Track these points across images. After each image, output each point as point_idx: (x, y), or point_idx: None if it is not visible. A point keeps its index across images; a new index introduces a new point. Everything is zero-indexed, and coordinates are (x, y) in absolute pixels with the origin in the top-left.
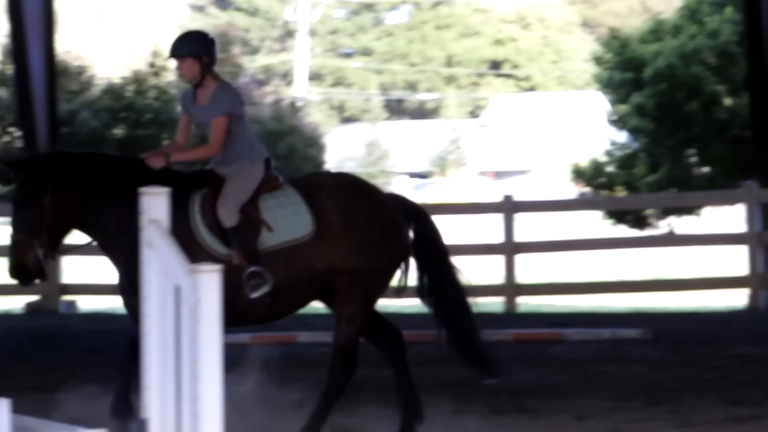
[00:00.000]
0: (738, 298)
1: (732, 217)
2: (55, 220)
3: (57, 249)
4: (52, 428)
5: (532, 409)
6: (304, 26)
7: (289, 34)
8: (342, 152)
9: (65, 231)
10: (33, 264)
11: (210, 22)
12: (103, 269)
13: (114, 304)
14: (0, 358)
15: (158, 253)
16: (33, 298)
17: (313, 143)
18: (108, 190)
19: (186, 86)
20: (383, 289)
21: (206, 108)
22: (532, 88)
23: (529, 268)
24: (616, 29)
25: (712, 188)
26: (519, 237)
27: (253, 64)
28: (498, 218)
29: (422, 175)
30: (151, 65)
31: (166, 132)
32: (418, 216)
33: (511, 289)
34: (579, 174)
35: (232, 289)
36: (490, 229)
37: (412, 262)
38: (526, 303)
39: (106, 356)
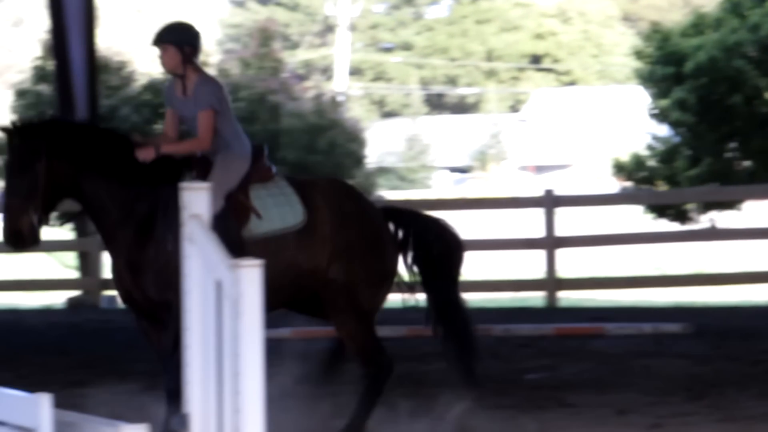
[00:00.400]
0: None
1: None
2: (49, 186)
3: (51, 215)
4: (94, 423)
5: (574, 403)
6: (344, 21)
7: (329, 28)
8: (382, 147)
9: (59, 197)
10: (27, 230)
11: (250, 17)
12: None
13: None
14: (41, 353)
15: (199, 248)
16: (75, 293)
17: (353, 138)
18: (99, 163)
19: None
20: (376, 301)
21: (189, 101)
22: (572, 83)
23: (570, 263)
24: (657, 23)
25: (754, 182)
26: (560, 231)
27: (294, 59)
28: (539, 213)
29: (463, 170)
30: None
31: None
32: (414, 222)
33: (552, 283)
34: (620, 168)
35: None
36: (530, 223)
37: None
38: (567, 297)
39: (147, 351)
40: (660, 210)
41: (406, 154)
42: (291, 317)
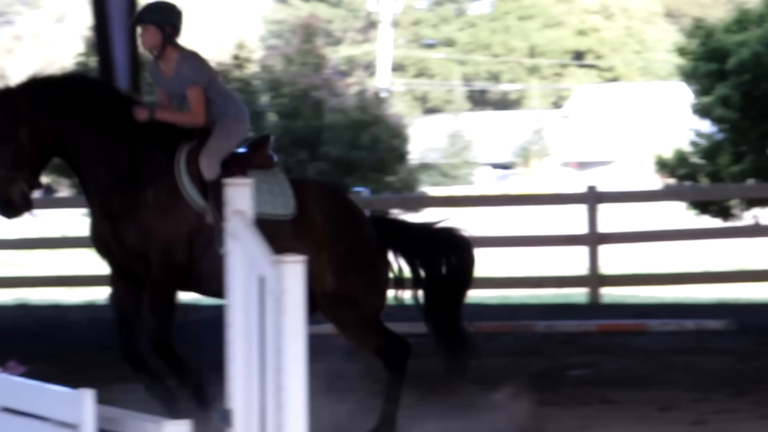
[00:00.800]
0: None
1: None
2: (35, 151)
3: (41, 175)
4: (136, 419)
5: (616, 400)
6: (386, 17)
7: (371, 25)
8: (425, 143)
9: (46, 160)
10: (19, 198)
11: (293, 13)
12: None
13: (196, 295)
14: (84, 349)
15: (243, 244)
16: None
17: (396, 134)
18: (86, 115)
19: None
20: (376, 306)
21: (173, 80)
22: (615, 79)
23: (613, 259)
24: (700, 19)
25: None
26: (603, 228)
27: (336, 55)
28: (582, 209)
29: (505, 166)
30: (236, 57)
31: (250, 124)
32: (402, 232)
33: (595, 280)
34: (662, 165)
35: (199, 246)
36: (573, 220)
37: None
38: (610, 294)
39: (188, 347)
40: (703, 206)
41: (449, 150)
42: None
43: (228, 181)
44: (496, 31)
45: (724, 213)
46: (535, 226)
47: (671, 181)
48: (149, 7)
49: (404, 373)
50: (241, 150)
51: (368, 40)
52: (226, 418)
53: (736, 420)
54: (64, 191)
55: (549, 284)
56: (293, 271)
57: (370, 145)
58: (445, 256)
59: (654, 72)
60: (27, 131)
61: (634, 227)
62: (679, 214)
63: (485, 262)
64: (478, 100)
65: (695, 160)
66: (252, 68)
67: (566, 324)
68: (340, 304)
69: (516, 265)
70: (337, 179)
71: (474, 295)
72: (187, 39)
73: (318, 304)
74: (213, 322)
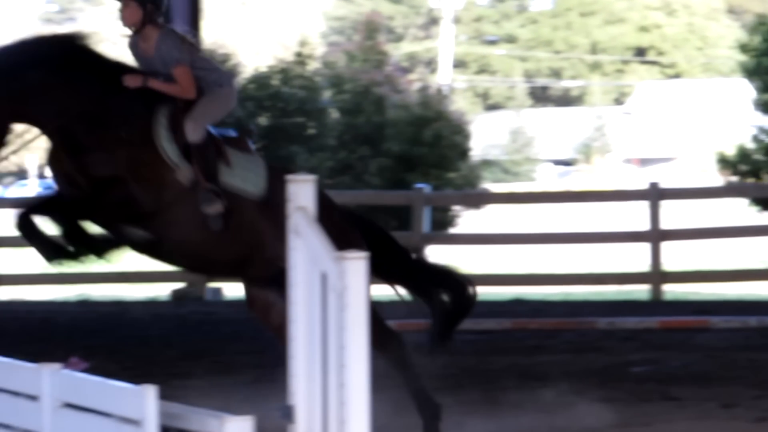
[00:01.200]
0: None
1: None
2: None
3: (4, 143)
4: (198, 415)
5: (679, 396)
6: (448, 13)
7: (433, 21)
8: (486, 140)
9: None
10: None
11: (355, 9)
12: None
13: None
14: (146, 345)
15: (305, 241)
16: (179, 285)
17: (458, 130)
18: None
19: None
20: None
21: (154, 59)
22: (677, 75)
23: (675, 256)
24: (763, 15)
25: None
26: (665, 224)
27: (398, 51)
28: (644, 206)
29: (567, 163)
30: (298, 54)
31: (312, 121)
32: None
33: (657, 276)
34: (724, 161)
35: (164, 201)
36: (635, 216)
37: None
38: (672, 291)
39: (251, 344)
40: (765, 203)
41: (510, 147)
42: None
43: (291, 177)
44: (557, 27)
45: None
46: (597, 223)
47: (733, 177)
48: None
49: (412, 362)
50: (231, 133)
51: (430, 37)
52: (288, 414)
53: None
54: None
55: (611, 281)
56: (356, 268)
57: (431, 141)
58: (443, 292)
59: (716, 68)
60: None
61: (696, 224)
62: (741, 211)
63: (547, 259)
64: (540, 96)
65: (757, 156)
66: (314, 65)
67: (628, 321)
68: None
69: (578, 261)
70: (399, 175)
71: (536, 292)
72: (251, 37)
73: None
74: None
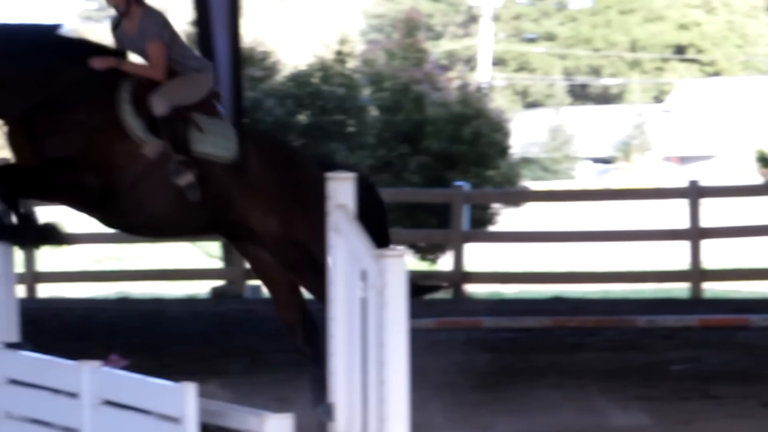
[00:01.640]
0: None
1: None
2: None
3: None
4: (238, 412)
5: (718, 395)
6: (487, 11)
7: (472, 19)
8: (526, 137)
9: None
10: None
11: (394, 7)
12: None
13: None
14: (186, 343)
15: (345, 238)
16: (218, 283)
17: (498, 128)
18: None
19: None
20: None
21: (135, 37)
22: (716, 73)
23: (715, 254)
24: None
25: None
26: (704, 222)
27: (437, 49)
28: (683, 203)
29: (606, 161)
30: (338, 53)
31: (351, 119)
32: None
33: (696, 274)
34: (764, 159)
35: (131, 176)
36: (675, 214)
37: None
38: (711, 288)
39: (289, 341)
40: None
41: (550, 144)
42: (435, 309)
43: (330, 175)
44: (597, 25)
45: None
46: (636, 221)
47: None
48: None
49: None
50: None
51: (469, 35)
52: (328, 411)
53: None
54: None
55: (650, 279)
56: (395, 265)
57: (471, 139)
58: None
59: (756, 66)
60: None
61: (735, 222)
62: None
63: (587, 257)
64: (579, 94)
65: None
66: (353, 63)
67: (668, 319)
68: (289, 248)
69: (617, 259)
70: (439, 173)
71: (575, 290)
72: (290, 35)
73: (266, 247)
74: (315, 316)
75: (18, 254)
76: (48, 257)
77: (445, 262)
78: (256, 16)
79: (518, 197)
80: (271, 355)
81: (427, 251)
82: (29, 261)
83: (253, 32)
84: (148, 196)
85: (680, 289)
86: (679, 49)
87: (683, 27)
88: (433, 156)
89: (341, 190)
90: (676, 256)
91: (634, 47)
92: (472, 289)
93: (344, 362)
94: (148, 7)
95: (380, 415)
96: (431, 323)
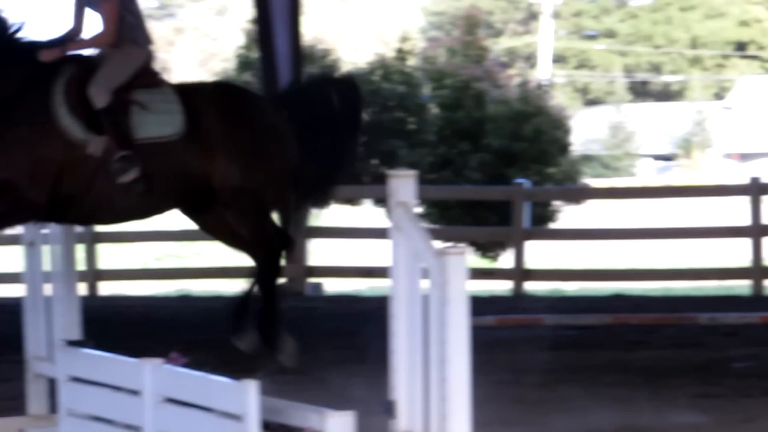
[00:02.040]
0: None
1: None
2: None
3: None
4: (300, 410)
5: None
6: (547, 8)
7: (532, 16)
8: (586, 134)
9: None
10: None
11: (453, 4)
12: (348, 252)
13: (359, 286)
14: None
15: (406, 236)
16: (280, 280)
17: (558, 125)
18: None
19: None
20: (282, 200)
21: None
22: None
23: None
24: None
25: None
26: (766, 219)
27: (497, 46)
28: (745, 201)
29: (667, 158)
30: (398, 51)
31: (412, 116)
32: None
33: (758, 272)
34: None
35: (83, 178)
36: (736, 211)
37: None
38: None
39: (351, 339)
40: None
41: (610, 141)
42: (496, 306)
43: (391, 173)
44: (657, 22)
45: None
46: (697, 218)
47: None
48: None
49: (278, 268)
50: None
51: (529, 32)
52: (389, 409)
53: None
54: None
55: (712, 276)
56: (456, 263)
57: (531, 136)
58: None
59: None
60: None
61: None
62: None
63: (648, 255)
64: (640, 91)
65: None
66: (413, 60)
67: (729, 316)
68: (242, 196)
69: (678, 257)
70: (499, 171)
71: (636, 288)
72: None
73: (219, 199)
74: (375, 313)
75: (79, 252)
76: (109, 255)
77: (505, 260)
78: (316, 14)
79: (579, 194)
80: (332, 352)
81: (488, 248)
82: (91, 259)
83: (313, 30)
84: (106, 194)
85: (742, 286)
86: (740, 46)
87: (744, 24)
88: (493, 153)
89: (402, 188)
90: (737, 253)
91: (694, 44)
92: (532, 286)
93: (406, 360)
94: None
95: (441, 413)
96: (492, 321)
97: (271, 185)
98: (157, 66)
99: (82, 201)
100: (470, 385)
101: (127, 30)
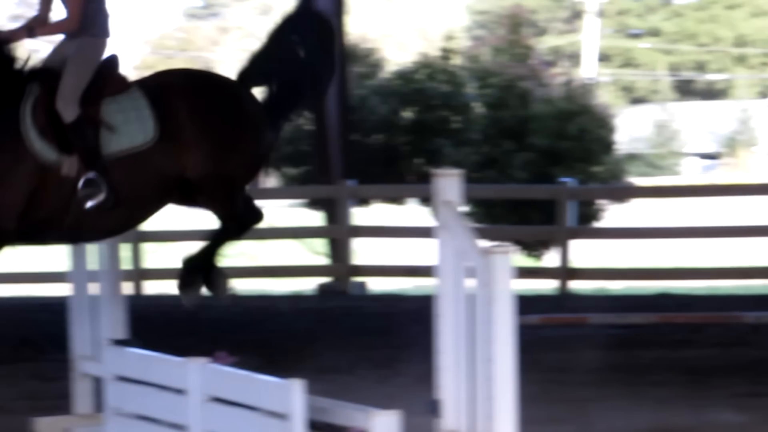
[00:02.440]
0: None
1: None
2: None
3: None
4: (345, 409)
5: None
6: (592, 7)
7: (577, 15)
8: (631, 133)
9: None
10: None
11: (498, 3)
12: (391, 251)
13: (403, 285)
14: (292, 339)
15: (452, 235)
16: (324, 279)
17: (603, 124)
18: None
19: None
20: (249, 180)
21: None
22: None
23: None
24: None
25: None
26: None
27: (542, 45)
28: None
29: (712, 156)
30: (443, 50)
31: (456, 115)
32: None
33: None
34: None
35: (60, 200)
36: None
37: None
38: None
39: (396, 338)
40: None
41: (655, 140)
42: (541, 305)
43: (437, 171)
44: (702, 20)
45: None
46: (742, 217)
47: None
48: None
49: (240, 233)
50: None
51: (573, 30)
52: (434, 408)
53: None
54: (271, 182)
55: (757, 275)
56: (503, 262)
57: (576, 135)
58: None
59: None
60: None
61: None
62: None
63: (693, 253)
64: (685, 89)
65: None
66: (458, 59)
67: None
68: (215, 183)
69: (724, 255)
70: (544, 169)
71: (682, 286)
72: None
73: (192, 186)
74: (419, 312)
75: (124, 251)
76: (155, 254)
77: (550, 258)
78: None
79: (624, 193)
80: (377, 351)
81: (532, 247)
82: (136, 258)
83: (358, 29)
84: (84, 213)
85: None
86: None
87: None
88: (538, 152)
89: (447, 187)
90: None
91: (739, 42)
92: (578, 285)
93: (452, 359)
94: None
95: (487, 412)
96: (537, 320)
97: (243, 170)
98: (122, 68)
99: (61, 222)
100: (516, 383)
101: (89, 19)
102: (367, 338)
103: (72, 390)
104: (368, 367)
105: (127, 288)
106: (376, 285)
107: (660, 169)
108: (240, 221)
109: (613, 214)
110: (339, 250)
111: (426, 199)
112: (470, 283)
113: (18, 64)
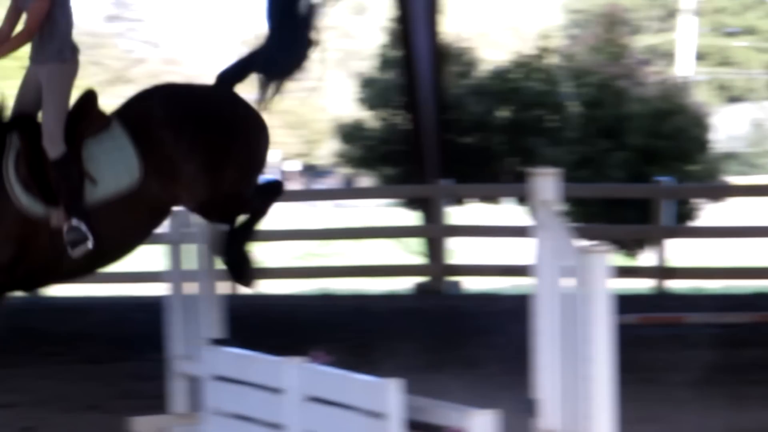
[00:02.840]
0: None
1: None
2: None
3: None
4: (443, 408)
5: None
6: (688, 5)
7: (672, 13)
8: (728, 132)
9: None
10: None
11: (594, 2)
12: (487, 250)
13: (498, 285)
14: (388, 338)
15: (550, 234)
16: (420, 278)
17: (699, 123)
18: None
19: None
20: (251, 185)
21: None
22: None
23: None
24: None
25: None
26: None
27: (637, 44)
28: None
29: None
30: (539, 49)
31: (552, 114)
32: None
33: None
34: None
35: (56, 249)
36: None
37: None
38: None
39: (493, 337)
40: None
41: (751, 139)
42: (638, 304)
43: (534, 171)
44: None
45: None
46: None
47: None
48: None
49: (263, 214)
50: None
51: (669, 29)
52: (531, 408)
53: None
54: (367, 182)
55: None
56: (600, 261)
57: (672, 134)
58: None
59: None
60: None
61: None
62: None
63: None
64: None
65: None
66: (554, 58)
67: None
68: (216, 204)
69: None
70: (640, 168)
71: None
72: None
73: (194, 211)
74: (515, 312)
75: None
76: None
77: (646, 258)
78: (456, 12)
79: (720, 192)
80: (474, 350)
81: (628, 246)
82: None
83: (453, 28)
84: (76, 259)
85: None
86: None
87: None
88: (634, 151)
89: (545, 186)
90: None
91: None
92: (675, 284)
93: (549, 358)
94: None
95: (585, 412)
96: (633, 319)
97: (242, 179)
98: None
99: (56, 268)
100: (613, 383)
101: (56, 43)
102: (464, 337)
103: (168, 389)
104: (463, 366)
105: (224, 288)
106: (471, 284)
107: (756, 168)
108: (257, 207)
109: (709, 213)
110: (435, 250)
111: (522, 199)
112: (567, 282)
113: None
